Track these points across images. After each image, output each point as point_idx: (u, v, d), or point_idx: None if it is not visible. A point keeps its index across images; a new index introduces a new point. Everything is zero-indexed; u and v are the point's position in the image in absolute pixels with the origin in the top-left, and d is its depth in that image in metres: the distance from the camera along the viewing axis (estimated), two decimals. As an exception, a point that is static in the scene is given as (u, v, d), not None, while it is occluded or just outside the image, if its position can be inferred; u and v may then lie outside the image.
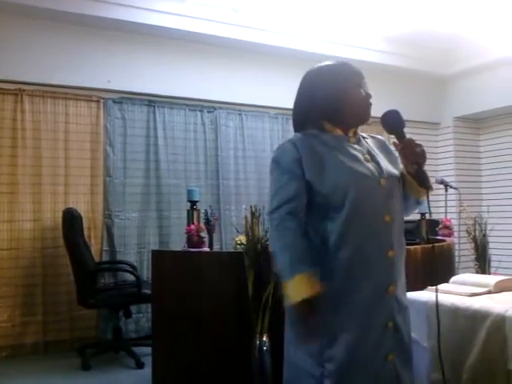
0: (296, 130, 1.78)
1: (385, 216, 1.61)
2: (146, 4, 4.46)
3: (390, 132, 1.71)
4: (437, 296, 1.59)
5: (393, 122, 1.68)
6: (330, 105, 1.69)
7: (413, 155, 1.63)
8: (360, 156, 1.67)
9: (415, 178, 1.68)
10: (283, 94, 5.41)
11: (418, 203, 1.78)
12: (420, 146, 1.64)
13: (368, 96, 1.72)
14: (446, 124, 6.37)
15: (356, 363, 1.58)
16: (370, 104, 1.73)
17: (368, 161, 1.67)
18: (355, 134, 1.73)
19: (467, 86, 6.09)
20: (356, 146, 1.70)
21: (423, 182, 1.66)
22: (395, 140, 1.68)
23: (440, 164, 6.38)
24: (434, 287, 2.40)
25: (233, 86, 5.12)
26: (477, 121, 6.41)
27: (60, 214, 4.10)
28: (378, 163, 1.68)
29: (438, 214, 4.68)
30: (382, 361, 1.60)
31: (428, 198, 1.70)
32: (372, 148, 1.74)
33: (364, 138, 1.78)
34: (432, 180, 1.80)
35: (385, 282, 1.61)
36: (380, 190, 1.63)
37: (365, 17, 5.02)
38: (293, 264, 1.55)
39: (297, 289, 1.53)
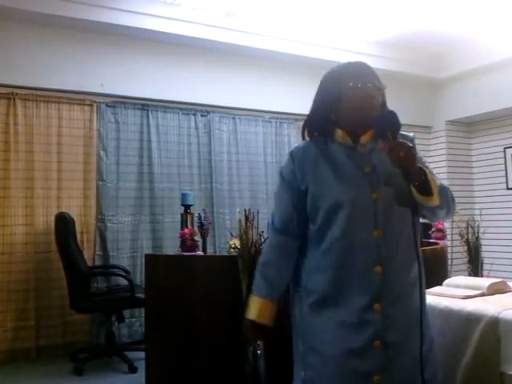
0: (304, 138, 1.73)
1: (373, 231, 1.54)
2: (139, 8, 4.46)
3: (379, 134, 1.55)
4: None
5: (382, 125, 1.52)
6: (329, 110, 1.63)
7: (397, 160, 1.44)
8: (358, 169, 1.58)
9: (410, 184, 1.51)
10: (277, 97, 5.50)
11: (431, 210, 1.61)
12: (406, 148, 1.45)
13: (365, 97, 1.58)
14: (438, 128, 6.41)
15: (330, 376, 1.55)
16: (369, 105, 1.58)
17: (368, 173, 1.57)
18: (369, 140, 1.61)
19: (459, 89, 6.14)
20: (360, 157, 1.60)
21: (421, 188, 1.53)
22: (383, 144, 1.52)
23: (432, 167, 6.37)
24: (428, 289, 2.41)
25: (226, 89, 5.12)
26: (469, 124, 6.45)
27: (53, 218, 4.09)
28: (377, 175, 1.56)
29: (430, 218, 4.70)
30: (364, 380, 1.52)
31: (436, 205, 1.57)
32: (382, 156, 1.52)
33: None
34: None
35: (370, 298, 1.53)
36: (371, 204, 1.54)
37: (357, 21, 5.04)
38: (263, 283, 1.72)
39: (253, 307, 1.68)
